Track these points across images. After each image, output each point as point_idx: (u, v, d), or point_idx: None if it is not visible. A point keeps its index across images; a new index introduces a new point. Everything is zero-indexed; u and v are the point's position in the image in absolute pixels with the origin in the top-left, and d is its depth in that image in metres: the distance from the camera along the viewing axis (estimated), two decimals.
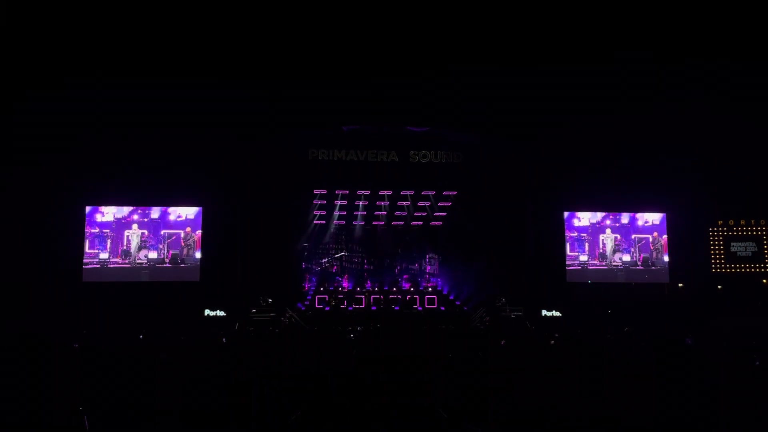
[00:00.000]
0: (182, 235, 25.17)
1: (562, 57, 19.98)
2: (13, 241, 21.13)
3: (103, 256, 24.66)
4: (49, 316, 18.62)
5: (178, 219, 25.13)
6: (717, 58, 19.35)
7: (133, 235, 25.10)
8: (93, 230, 24.66)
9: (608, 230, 26.71)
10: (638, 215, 26.12)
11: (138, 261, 24.74)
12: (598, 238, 26.16)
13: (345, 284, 26.02)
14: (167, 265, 24.84)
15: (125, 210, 24.50)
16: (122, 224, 24.95)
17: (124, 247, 24.76)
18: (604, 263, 26.04)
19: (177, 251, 25.02)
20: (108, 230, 24.75)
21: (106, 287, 22.81)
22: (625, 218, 26.48)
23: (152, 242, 25.01)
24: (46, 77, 19.22)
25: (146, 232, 24.97)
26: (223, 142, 22.57)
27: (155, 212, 25.03)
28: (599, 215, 26.18)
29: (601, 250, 25.86)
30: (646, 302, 23.55)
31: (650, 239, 26.45)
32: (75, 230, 23.21)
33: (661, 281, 25.13)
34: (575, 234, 26.01)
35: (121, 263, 24.65)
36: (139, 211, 24.73)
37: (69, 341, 7.47)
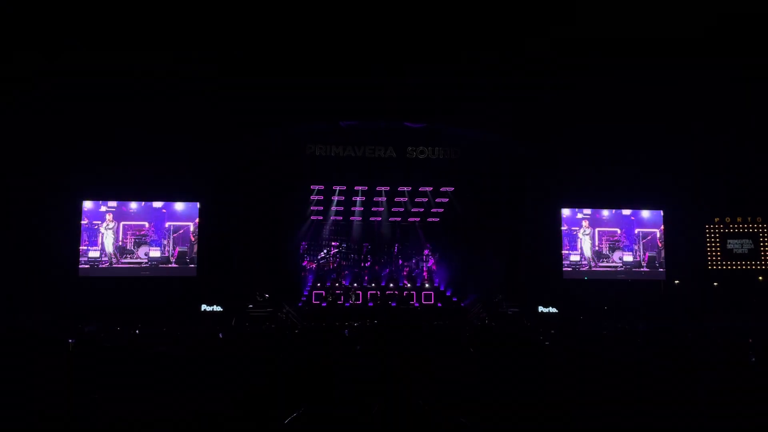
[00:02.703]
0: (191, 228, 22.37)
1: (559, 54, 19.93)
2: (8, 236, 20.99)
3: (94, 254, 21.47)
4: (45, 312, 18.57)
5: (189, 211, 22.12)
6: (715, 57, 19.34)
7: (107, 229, 21.34)
8: (82, 221, 21.77)
9: (585, 223, 24.38)
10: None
11: (138, 259, 21.57)
12: (593, 233, 24.84)
13: (342, 280, 26.00)
14: (173, 265, 21.79)
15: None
16: (117, 214, 21.96)
17: (119, 243, 21.92)
18: (598, 264, 24.38)
19: (185, 248, 21.92)
20: (99, 222, 22.18)
21: (101, 282, 22.33)
22: (626, 209, 24.89)
23: (154, 237, 22.06)
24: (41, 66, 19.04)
25: (146, 224, 22.19)
26: (220, 137, 22.46)
27: (158, 202, 22.15)
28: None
29: (596, 248, 24.80)
30: (642, 299, 23.58)
31: (657, 234, 24.87)
32: (71, 225, 22.71)
33: (658, 278, 25.11)
34: (565, 227, 24.72)
35: (116, 263, 21.73)
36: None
37: (63, 337, 7.45)
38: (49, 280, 21.21)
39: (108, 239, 21.66)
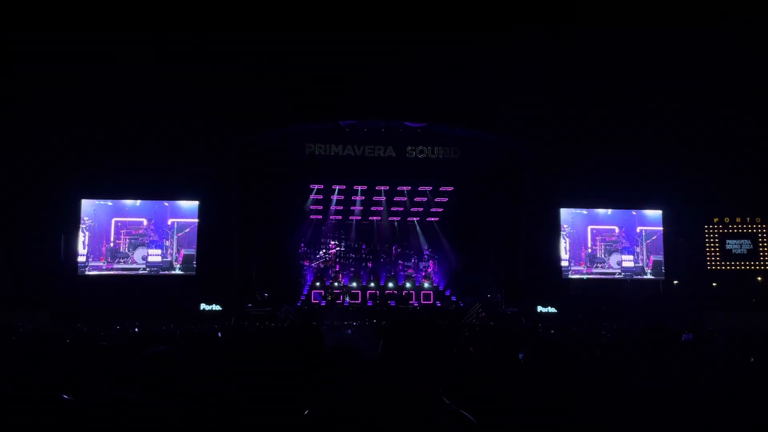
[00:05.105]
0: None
1: (559, 54, 19.95)
2: (5, 234, 20.86)
3: (81, 256, 18.87)
4: (44, 310, 18.50)
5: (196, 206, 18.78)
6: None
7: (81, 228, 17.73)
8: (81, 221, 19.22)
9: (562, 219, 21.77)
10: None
11: (134, 264, 18.61)
12: (585, 231, 23.20)
13: (341, 279, 25.98)
14: (177, 271, 18.78)
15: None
16: (109, 210, 18.98)
17: (110, 244, 18.88)
18: (592, 268, 22.56)
19: (192, 251, 18.91)
20: (87, 218, 19.19)
21: (100, 280, 21.82)
22: (625, 209, 23.42)
23: (154, 237, 19.15)
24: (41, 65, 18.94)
25: (145, 221, 19.50)
26: (220, 137, 22.40)
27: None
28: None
29: (589, 250, 23.43)
30: (641, 299, 23.52)
31: (663, 234, 23.33)
32: (70, 223, 22.44)
33: (657, 278, 25.03)
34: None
35: (106, 268, 18.61)
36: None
37: (62, 335, 7.42)
38: (48, 280, 21.04)
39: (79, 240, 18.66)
